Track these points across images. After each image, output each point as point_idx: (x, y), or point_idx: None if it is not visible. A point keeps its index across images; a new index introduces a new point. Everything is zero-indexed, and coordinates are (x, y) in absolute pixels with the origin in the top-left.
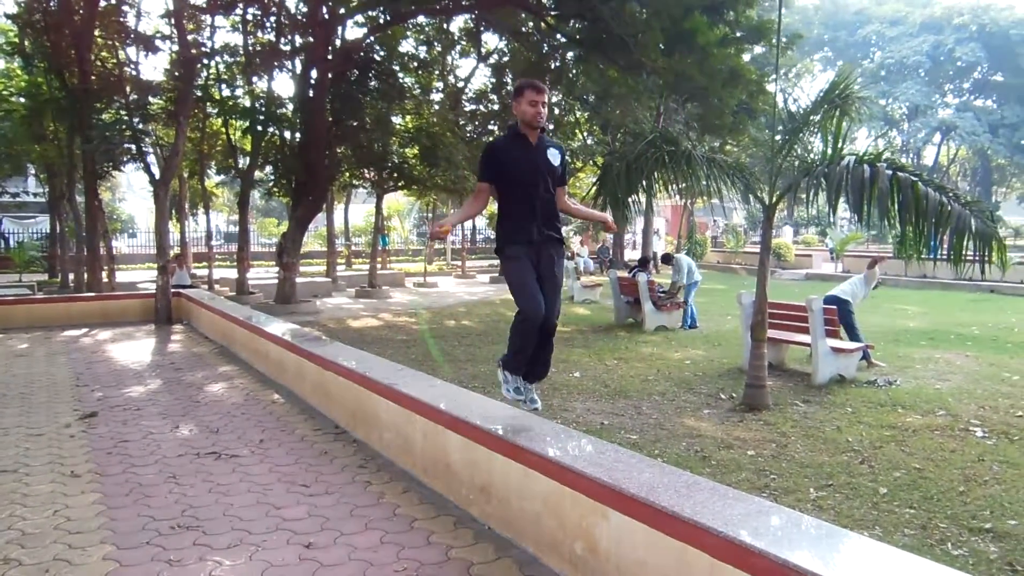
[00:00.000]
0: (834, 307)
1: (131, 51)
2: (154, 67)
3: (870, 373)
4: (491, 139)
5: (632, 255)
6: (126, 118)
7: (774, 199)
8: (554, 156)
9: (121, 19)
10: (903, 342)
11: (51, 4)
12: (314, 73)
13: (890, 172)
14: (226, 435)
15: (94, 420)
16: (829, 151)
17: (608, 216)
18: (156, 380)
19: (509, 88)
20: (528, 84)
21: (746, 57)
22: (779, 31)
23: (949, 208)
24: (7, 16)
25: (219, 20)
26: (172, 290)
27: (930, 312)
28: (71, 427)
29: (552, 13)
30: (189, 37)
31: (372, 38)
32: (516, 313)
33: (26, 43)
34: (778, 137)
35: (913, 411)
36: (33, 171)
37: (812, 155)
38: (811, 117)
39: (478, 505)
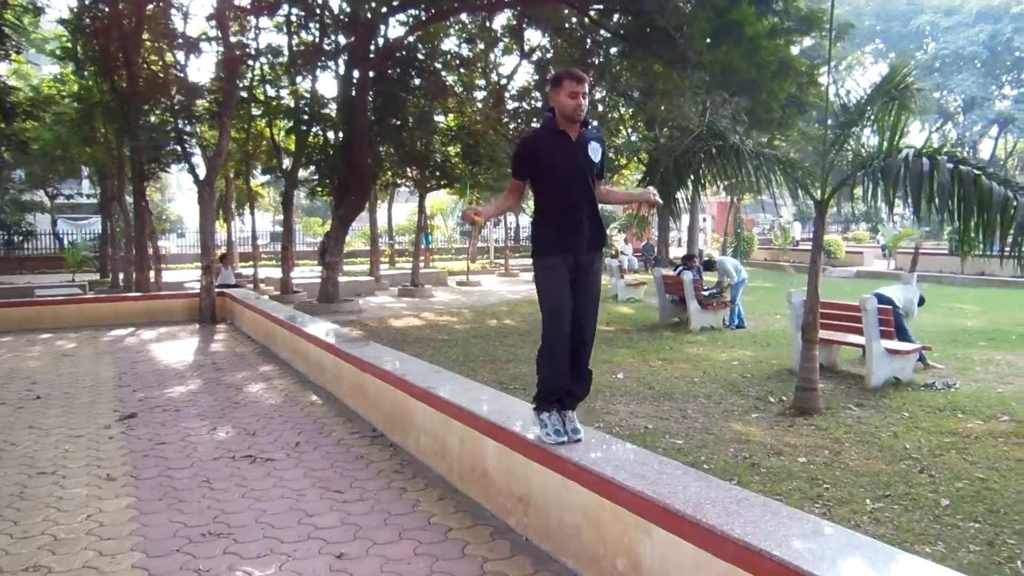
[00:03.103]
0: (889, 307)
1: (177, 53)
2: (198, 69)
3: (927, 375)
4: (526, 133)
5: (677, 252)
6: (171, 120)
7: (827, 195)
8: (595, 152)
9: (168, 22)
10: (961, 343)
11: (100, 9)
12: (356, 72)
13: (951, 166)
14: (263, 437)
15: (134, 421)
16: (885, 144)
17: (650, 191)
18: (197, 380)
19: None
20: (567, 74)
21: (794, 49)
22: (832, 19)
23: (1015, 203)
24: (59, 22)
25: (264, 22)
26: (216, 289)
27: (989, 311)
28: (111, 428)
29: (595, 7)
30: (234, 39)
31: (414, 36)
32: (542, 339)
33: (78, 47)
34: (831, 132)
35: (974, 416)
36: (86, 173)
37: (866, 149)
38: (866, 109)
39: (516, 515)
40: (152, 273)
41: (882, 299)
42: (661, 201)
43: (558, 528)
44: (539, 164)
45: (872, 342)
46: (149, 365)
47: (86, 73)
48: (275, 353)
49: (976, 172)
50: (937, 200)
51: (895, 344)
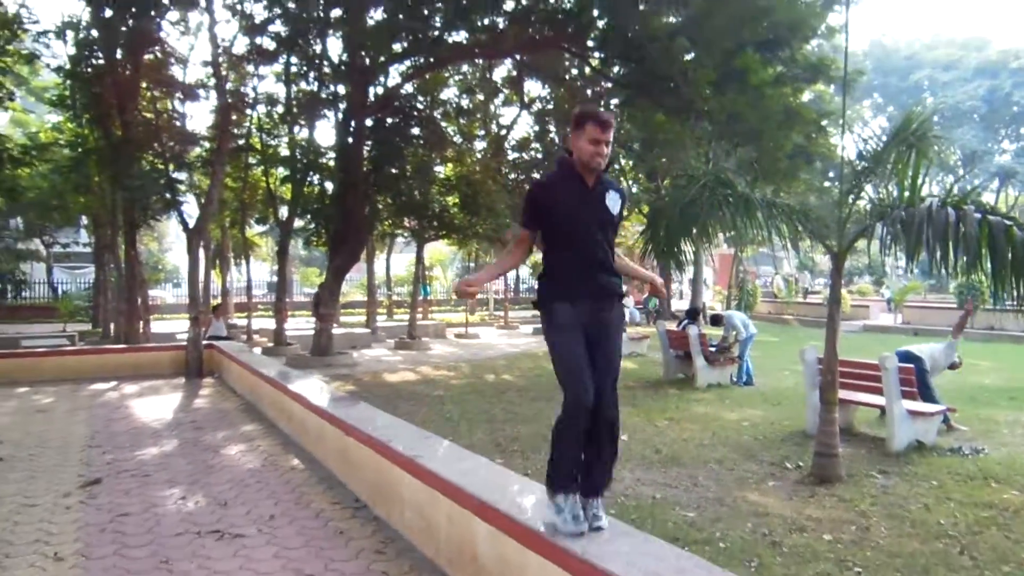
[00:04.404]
0: (911, 365)
1: (174, 100)
2: (190, 116)
3: (951, 439)
4: (537, 177)
5: (679, 305)
6: (162, 167)
7: (845, 245)
8: (614, 203)
9: (166, 71)
10: (981, 402)
11: (97, 57)
12: (353, 121)
13: (979, 215)
14: (235, 508)
15: (97, 488)
16: (906, 194)
17: (658, 279)
18: (173, 441)
19: (552, 136)
20: (592, 116)
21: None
22: (846, 64)
23: None
24: (55, 70)
25: (264, 70)
26: (205, 342)
27: (1005, 367)
28: (70, 496)
29: (597, 56)
30: (232, 87)
31: (413, 86)
32: (560, 411)
33: (76, 95)
34: (845, 182)
35: (1009, 486)
36: (84, 222)
37: (880, 199)
38: (883, 157)
39: None
40: (141, 324)
41: (904, 357)
42: (664, 294)
43: None
44: (551, 210)
45: (893, 403)
46: (125, 423)
47: (82, 121)
48: (261, 410)
49: (1007, 223)
50: (964, 252)
51: (918, 405)
